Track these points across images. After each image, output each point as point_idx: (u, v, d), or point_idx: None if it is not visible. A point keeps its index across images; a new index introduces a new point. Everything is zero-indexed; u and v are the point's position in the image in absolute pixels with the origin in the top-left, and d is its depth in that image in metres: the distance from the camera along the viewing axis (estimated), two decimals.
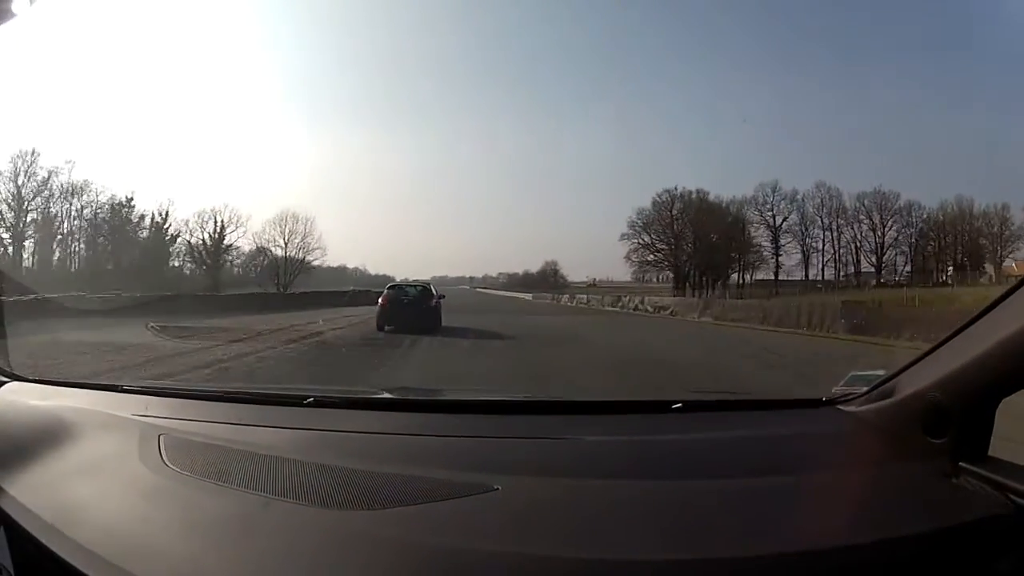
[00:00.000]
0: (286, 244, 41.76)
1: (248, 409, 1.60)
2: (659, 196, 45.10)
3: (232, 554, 0.98)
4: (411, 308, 13.38)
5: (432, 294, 14.42)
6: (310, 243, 41.89)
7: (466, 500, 1.04)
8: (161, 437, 1.34)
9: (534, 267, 48.72)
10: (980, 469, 0.99)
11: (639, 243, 46.16)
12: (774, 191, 43.40)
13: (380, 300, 13.83)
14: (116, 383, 1.82)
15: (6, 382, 1.73)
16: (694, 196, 44.90)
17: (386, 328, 13.07)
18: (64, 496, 1.17)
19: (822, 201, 42.68)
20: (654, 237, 45.40)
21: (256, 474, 1.16)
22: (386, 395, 1.72)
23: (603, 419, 1.53)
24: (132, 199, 38.75)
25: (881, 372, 1.28)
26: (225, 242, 40.61)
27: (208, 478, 1.18)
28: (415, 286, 15.13)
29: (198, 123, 61.13)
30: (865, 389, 1.28)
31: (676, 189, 44.89)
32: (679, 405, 1.44)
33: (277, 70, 59.98)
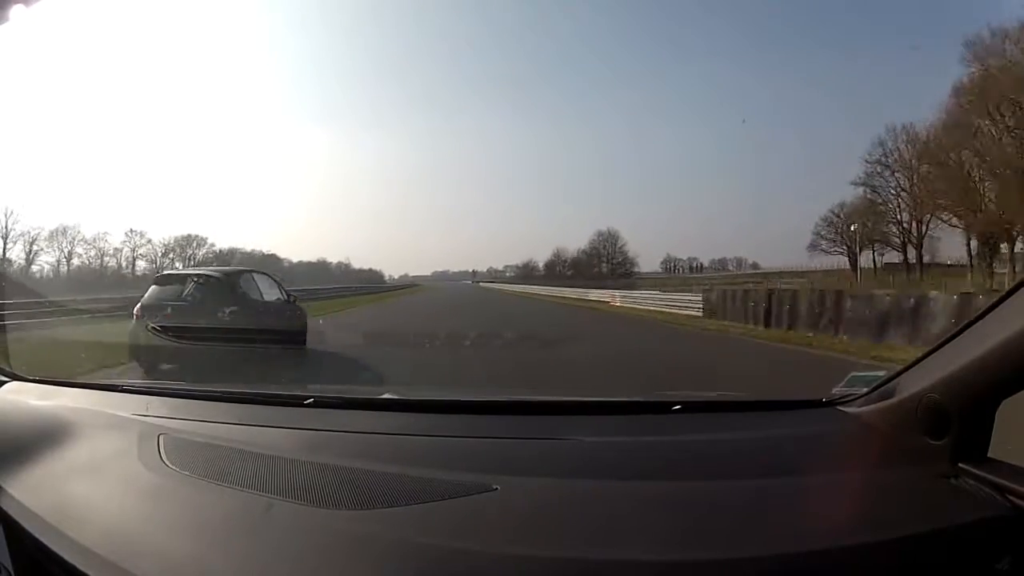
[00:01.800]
0: None
1: (248, 409, 1.61)
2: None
3: (231, 554, 0.98)
4: (199, 319, 6.63)
5: (250, 293, 7.58)
6: None
7: (465, 500, 1.04)
8: (161, 437, 1.35)
9: (541, 258, 35.72)
10: (979, 470, 0.99)
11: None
12: None
13: (135, 309, 7.05)
14: (116, 383, 1.83)
15: (6, 382, 1.74)
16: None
17: (162, 366, 6.41)
18: (64, 496, 1.17)
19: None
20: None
21: (256, 474, 1.17)
22: (386, 395, 1.72)
23: (603, 419, 1.53)
24: None
25: (881, 373, 1.28)
26: None
27: (208, 478, 1.19)
28: (215, 276, 7.73)
29: (182, 113, 58.54)
30: (865, 390, 1.28)
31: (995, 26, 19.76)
32: (679, 406, 1.44)
33: (273, 63, 58.93)
